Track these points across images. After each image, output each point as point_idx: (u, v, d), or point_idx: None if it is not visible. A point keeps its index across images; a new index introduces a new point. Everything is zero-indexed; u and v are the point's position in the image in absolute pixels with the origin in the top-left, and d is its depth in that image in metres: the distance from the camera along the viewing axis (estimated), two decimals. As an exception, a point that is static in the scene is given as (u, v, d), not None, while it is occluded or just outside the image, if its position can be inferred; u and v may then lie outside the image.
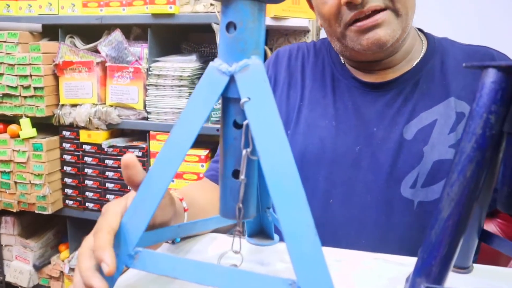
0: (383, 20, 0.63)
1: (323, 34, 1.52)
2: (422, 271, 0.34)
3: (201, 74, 1.44)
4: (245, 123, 0.36)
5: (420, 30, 0.77)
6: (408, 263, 0.51)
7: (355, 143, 0.69)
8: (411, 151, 0.66)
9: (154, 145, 1.42)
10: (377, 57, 0.69)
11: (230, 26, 0.36)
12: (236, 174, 0.38)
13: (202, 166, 1.37)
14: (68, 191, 1.59)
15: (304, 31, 1.38)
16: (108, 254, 0.35)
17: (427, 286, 0.33)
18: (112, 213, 0.39)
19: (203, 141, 1.49)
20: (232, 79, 0.36)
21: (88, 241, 0.41)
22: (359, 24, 0.63)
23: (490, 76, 0.33)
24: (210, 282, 0.35)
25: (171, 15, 1.34)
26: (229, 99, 0.37)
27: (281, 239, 0.57)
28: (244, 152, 0.37)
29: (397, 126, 0.68)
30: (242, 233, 0.41)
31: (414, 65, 0.71)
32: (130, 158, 0.42)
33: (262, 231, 0.58)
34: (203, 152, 1.37)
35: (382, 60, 0.70)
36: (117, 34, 1.39)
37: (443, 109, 0.67)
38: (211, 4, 1.30)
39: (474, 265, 0.51)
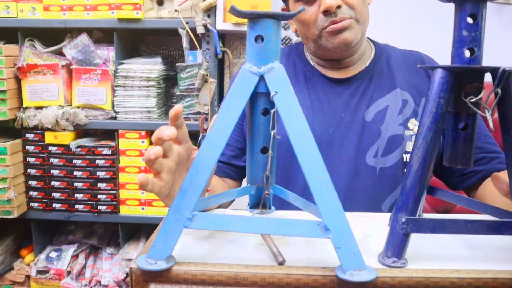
0: (349, 25, 0.82)
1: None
2: (402, 209, 0.49)
3: (166, 75, 1.54)
4: (272, 111, 0.49)
5: (368, 38, 0.97)
6: (377, 216, 0.67)
7: (329, 126, 0.87)
8: (371, 129, 0.86)
9: (123, 143, 1.49)
10: (343, 55, 0.88)
11: (258, 38, 0.48)
12: (264, 150, 0.52)
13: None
14: (33, 193, 1.60)
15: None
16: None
17: (407, 218, 0.48)
18: None
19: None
20: (261, 78, 0.49)
21: None
22: (332, 26, 0.82)
23: (439, 74, 0.49)
24: (259, 230, 0.47)
25: (137, 20, 1.42)
26: (258, 94, 0.50)
27: (277, 209, 0.70)
28: (272, 132, 0.50)
29: (359, 112, 0.87)
30: (269, 195, 0.54)
31: (367, 64, 0.91)
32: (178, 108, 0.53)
33: (262, 203, 0.71)
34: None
35: (345, 58, 0.89)
36: (84, 38, 1.44)
37: (392, 97, 0.88)
38: (176, 10, 1.40)
39: (423, 213, 0.68)
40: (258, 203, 0.73)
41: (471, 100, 0.48)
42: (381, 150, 0.85)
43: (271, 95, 0.48)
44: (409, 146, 0.86)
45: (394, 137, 0.85)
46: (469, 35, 0.47)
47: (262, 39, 0.48)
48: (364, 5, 0.85)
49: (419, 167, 0.49)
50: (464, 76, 0.49)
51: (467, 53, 0.48)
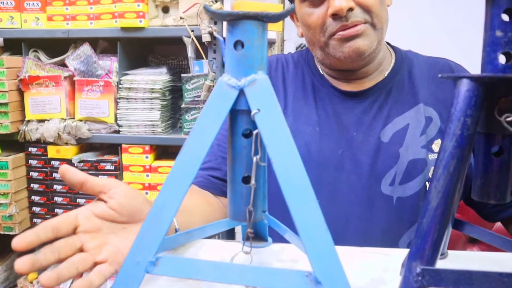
0: (363, 31, 0.70)
1: (286, 45, 1.59)
2: (417, 256, 0.39)
3: (172, 86, 1.47)
4: (255, 132, 0.40)
5: (388, 43, 0.84)
6: (393, 254, 0.57)
7: (338, 146, 0.74)
8: (388, 152, 0.73)
9: (127, 158, 1.42)
10: (355, 66, 0.75)
11: (237, 44, 0.39)
12: (245, 179, 0.42)
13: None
14: (36, 209, 1.55)
15: (271, 43, 1.44)
16: None
17: (422, 268, 0.37)
18: None
19: (176, 152, 1.51)
20: (240, 93, 0.40)
21: None
22: (341, 33, 0.70)
23: (465, 85, 0.39)
24: (233, 280, 0.38)
25: (141, 29, 1.35)
26: (237, 111, 0.41)
27: (274, 241, 0.61)
28: (254, 159, 0.40)
29: (374, 130, 0.74)
30: (253, 234, 0.44)
31: (386, 75, 0.78)
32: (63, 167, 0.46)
33: (257, 234, 0.62)
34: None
35: (359, 69, 0.77)
36: (86, 48, 1.39)
37: (414, 114, 0.75)
38: (181, 18, 1.33)
39: (448, 251, 0.57)
40: (253, 234, 0.64)
41: (508, 119, 0.38)
42: (399, 176, 0.72)
43: (252, 113, 0.39)
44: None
45: (415, 161, 0.72)
46: (504, 35, 0.36)
47: (243, 45, 0.39)
48: (382, 7, 0.71)
49: (439, 204, 0.38)
50: (498, 88, 0.39)
51: (501, 59, 0.37)
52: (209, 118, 0.40)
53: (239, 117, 0.41)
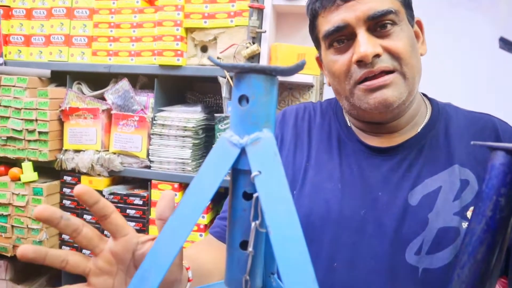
0: (391, 81, 0.64)
1: (326, 89, 1.55)
2: None
3: (206, 124, 1.46)
4: (255, 195, 0.36)
5: (424, 95, 0.78)
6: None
7: (361, 206, 0.68)
8: (416, 217, 0.66)
9: (155, 194, 1.41)
10: (383, 118, 0.70)
11: (242, 99, 0.37)
12: (243, 245, 0.38)
13: (203, 217, 1.36)
14: (66, 237, 1.56)
15: (308, 86, 1.41)
16: None
17: None
18: None
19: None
20: (243, 151, 0.36)
21: None
22: (367, 83, 0.65)
23: (499, 158, 0.34)
24: None
25: (178, 67, 1.37)
26: (239, 171, 0.37)
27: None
28: (253, 224, 0.36)
29: (402, 192, 0.68)
30: (248, 306, 0.39)
31: (419, 130, 0.72)
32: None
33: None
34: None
35: (388, 122, 0.71)
36: (124, 83, 1.42)
37: (447, 176, 0.67)
38: (218, 58, 1.33)
39: None
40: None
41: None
42: (426, 245, 0.64)
43: (252, 175, 0.35)
44: None
45: (446, 229, 0.64)
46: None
47: (248, 100, 0.36)
48: (413, 54, 0.66)
49: (463, 297, 0.33)
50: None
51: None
52: (207, 177, 0.37)
53: (241, 177, 0.38)
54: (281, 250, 0.33)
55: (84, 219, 1.52)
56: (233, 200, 0.38)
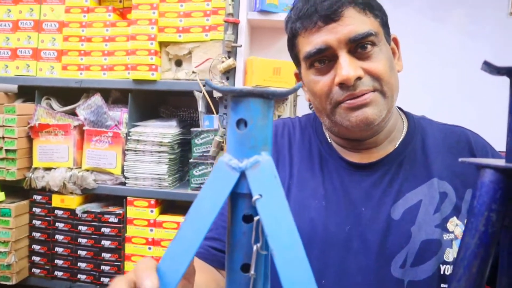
0: (371, 100, 0.66)
1: (300, 101, 1.58)
2: None
3: (181, 139, 1.45)
4: (256, 219, 0.36)
5: (400, 108, 0.80)
6: None
7: (345, 223, 0.69)
8: (399, 231, 0.67)
9: (131, 211, 1.38)
10: (363, 135, 0.71)
11: (240, 123, 0.37)
12: (244, 268, 0.38)
13: None
14: (36, 258, 1.50)
15: (283, 100, 1.43)
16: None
17: None
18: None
19: (182, 206, 1.47)
20: (242, 175, 0.36)
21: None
22: (349, 101, 0.66)
23: (488, 176, 0.35)
24: None
25: (152, 81, 1.36)
26: (238, 194, 0.37)
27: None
28: (254, 247, 0.37)
29: (384, 206, 0.69)
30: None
31: (397, 145, 0.74)
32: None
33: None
34: (182, 219, 1.35)
35: (367, 139, 0.72)
36: (97, 98, 1.39)
37: (427, 190, 0.69)
38: (193, 72, 1.33)
39: None
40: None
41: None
42: (410, 258, 0.66)
43: (253, 198, 0.35)
44: (448, 255, 0.66)
45: (429, 242, 0.66)
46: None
47: (246, 124, 0.37)
48: (392, 73, 0.68)
49: (461, 312, 0.34)
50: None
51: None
52: (207, 202, 0.37)
53: (240, 200, 0.38)
54: (285, 271, 0.34)
55: (56, 239, 1.47)
56: (232, 223, 0.39)
